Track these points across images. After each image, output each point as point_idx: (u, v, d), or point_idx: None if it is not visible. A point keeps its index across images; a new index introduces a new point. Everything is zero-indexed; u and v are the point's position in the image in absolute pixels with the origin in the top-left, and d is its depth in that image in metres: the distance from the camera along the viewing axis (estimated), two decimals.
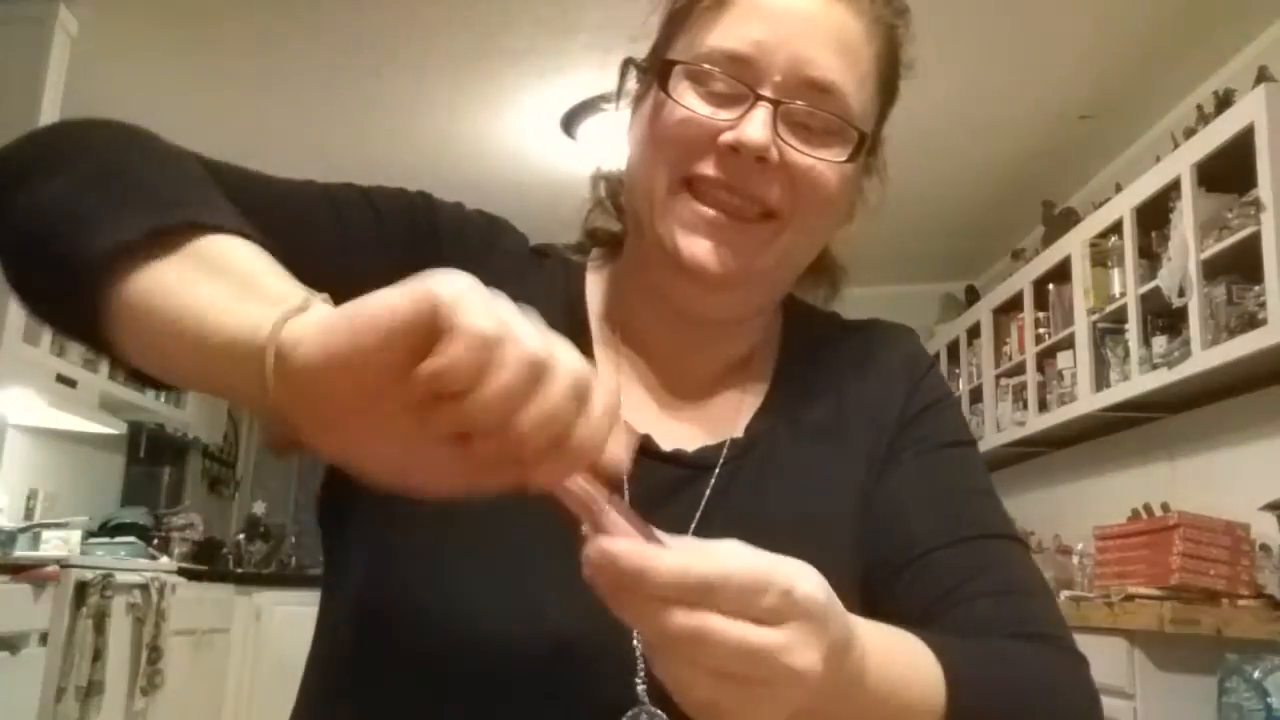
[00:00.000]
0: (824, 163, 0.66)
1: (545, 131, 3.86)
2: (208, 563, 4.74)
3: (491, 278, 0.72)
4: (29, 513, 4.03)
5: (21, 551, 3.22)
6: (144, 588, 3.40)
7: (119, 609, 3.18)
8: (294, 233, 0.63)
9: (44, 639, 2.86)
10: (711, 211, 0.66)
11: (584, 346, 0.72)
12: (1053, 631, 0.65)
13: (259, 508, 5.36)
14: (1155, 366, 3.05)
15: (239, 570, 4.97)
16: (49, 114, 3.14)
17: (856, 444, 0.73)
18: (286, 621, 4.29)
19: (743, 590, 0.41)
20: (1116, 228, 3.36)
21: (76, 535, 3.50)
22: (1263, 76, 2.81)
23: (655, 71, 0.70)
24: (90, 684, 2.96)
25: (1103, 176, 4.01)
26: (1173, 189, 3.00)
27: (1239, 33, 3.09)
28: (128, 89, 3.65)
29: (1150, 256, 3.17)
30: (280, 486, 5.52)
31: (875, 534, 0.69)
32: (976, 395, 4.58)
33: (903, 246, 4.85)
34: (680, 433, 0.71)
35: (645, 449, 0.69)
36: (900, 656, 0.53)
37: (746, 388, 0.75)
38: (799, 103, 0.66)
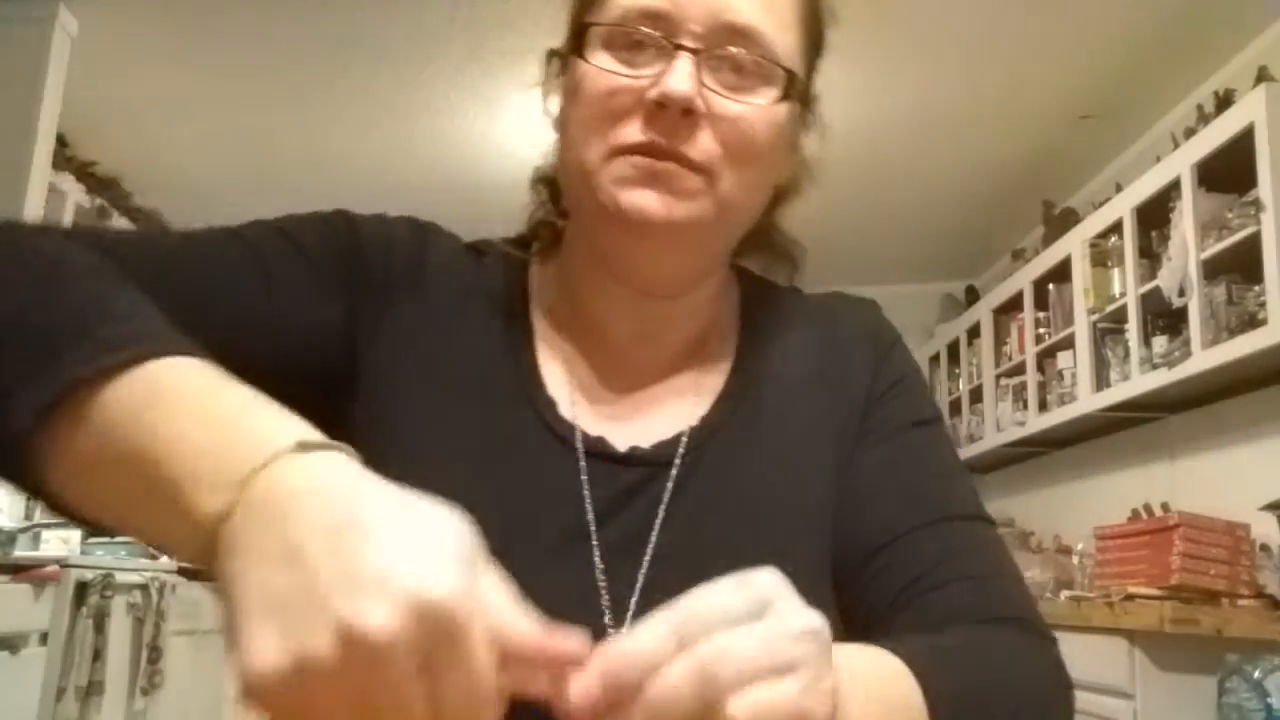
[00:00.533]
0: (753, 108, 0.65)
1: (544, 132, 3.86)
2: None
3: (425, 291, 0.70)
4: (29, 513, 4.03)
5: (21, 551, 3.22)
6: (144, 588, 3.40)
7: (119, 609, 3.18)
8: (215, 295, 0.62)
9: (44, 639, 2.86)
10: (647, 160, 0.64)
11: (525, 343, 0.71)
12: (1024, 615, 0.64)
13: None
14: (1155, 366, 3.05)
15: None
16: (49, 114, 3.14)
17: (823, 424, 0.70)
18: None
19: (713, 602, 0.41)
20: (1116, 228, 3.36)
21: (76, 535, 3.49)
22: (1263, 76, 2.80)
23: (571, 43, 0.68)
24: (90, 684, 2.96)
25: (1103, 176, 4.01)
26: (1173, 189, 3.00)
27: (1239, 33, 3.09)
28: (128, 90, 3.65)
29: (1150, 256, 3.17)
30: None
31: (845, 519, 0.68)
32: (976, 395, 4.58)
33: (903, 246, 4.85)
34: (637, 427, 0.69)
35: (599, 451, 0.67)
36: (877, 682, 0.52)
37: (705, 370, 0.72)
38: (722, 49, 0.64)
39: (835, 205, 3.28)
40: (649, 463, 0.67)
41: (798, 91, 0.68)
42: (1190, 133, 3.08)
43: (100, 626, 3.02)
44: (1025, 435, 4.05)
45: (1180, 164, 2.96)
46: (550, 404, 0.68)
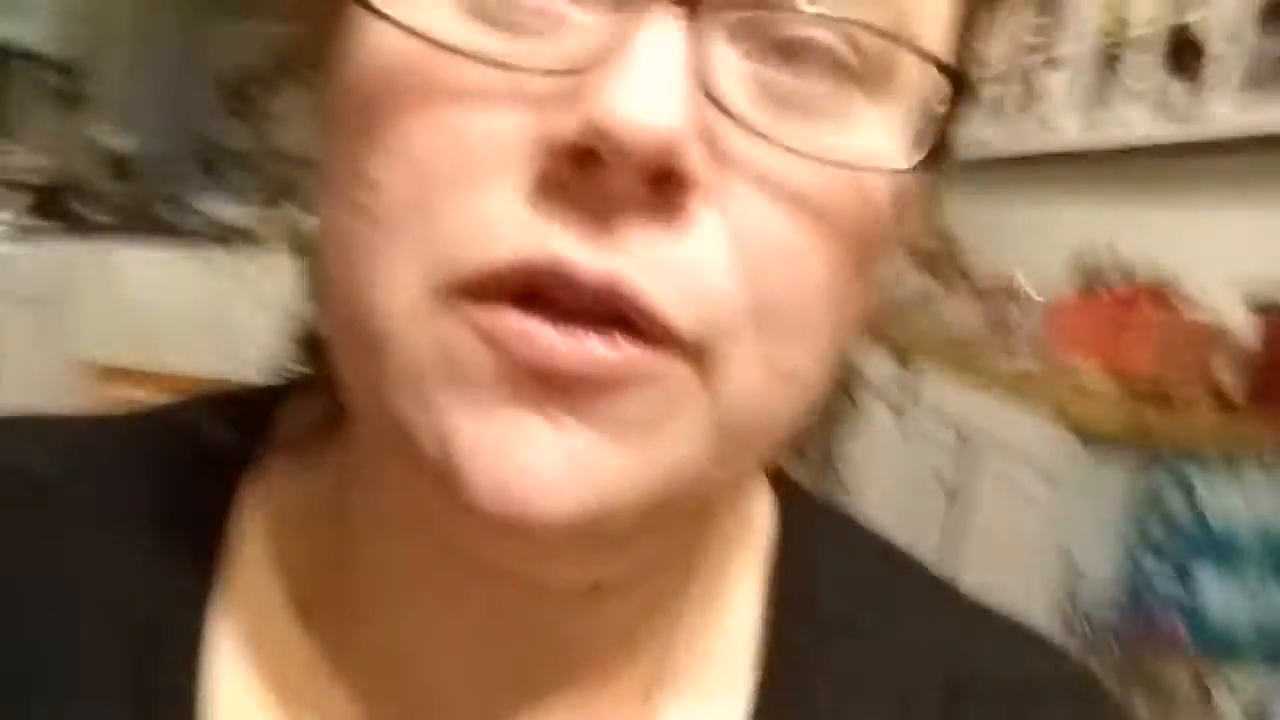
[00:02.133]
0: (843, 171, 0.25)
1: None
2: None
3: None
4: None
5: None
6: None
7: None
8: None
9: None
10: (544, 344, 0.24)
11: (184, 689, 0.30)
12: None
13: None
14: (1164, 116, 2.73)
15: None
16: None
17: None
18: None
19: None
20: None
21: None
22: None
23: None
24: None
25: None
26: None
27: None
28: None
29: None
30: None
31: None
32: None
33: None
34: None
35: None
36: None
37: None
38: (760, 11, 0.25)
39: None
40: None
41: (951, 121, 0.27)
42: None
43: None
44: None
45: None
46: None
